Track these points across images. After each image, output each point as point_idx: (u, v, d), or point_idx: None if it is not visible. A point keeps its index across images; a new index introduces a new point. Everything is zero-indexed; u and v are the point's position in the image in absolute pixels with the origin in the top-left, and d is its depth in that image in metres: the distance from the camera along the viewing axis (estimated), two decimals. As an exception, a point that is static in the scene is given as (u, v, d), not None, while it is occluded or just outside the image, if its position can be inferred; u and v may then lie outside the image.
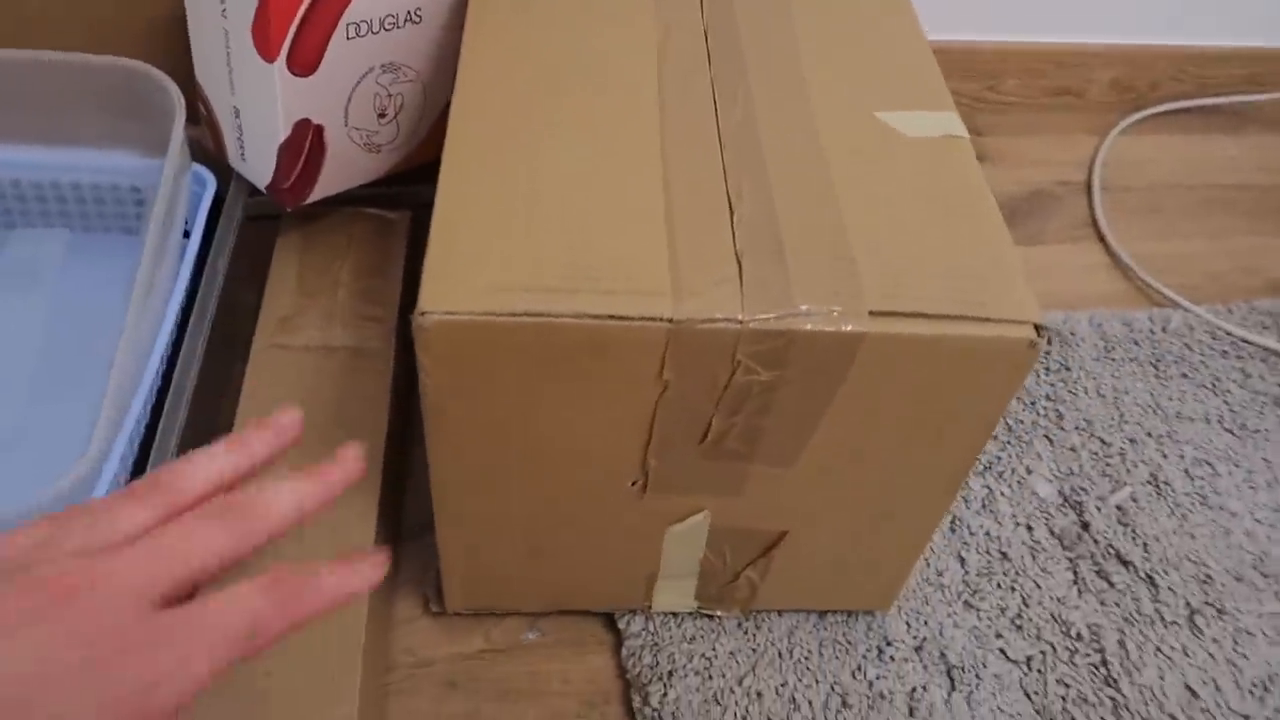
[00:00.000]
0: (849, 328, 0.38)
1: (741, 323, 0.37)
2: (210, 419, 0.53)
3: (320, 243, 0.61)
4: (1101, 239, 0.83)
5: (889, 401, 0.41)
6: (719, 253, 0.39)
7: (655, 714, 0.50)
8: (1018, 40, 0.90)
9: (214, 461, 0.29)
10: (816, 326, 0.38)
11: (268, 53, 0.50)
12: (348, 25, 0.52)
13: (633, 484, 0.45)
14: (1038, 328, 0.39)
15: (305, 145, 0.55)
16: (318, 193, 0.58)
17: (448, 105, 0.44)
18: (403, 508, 0.57)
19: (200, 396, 0.51)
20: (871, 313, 0.38)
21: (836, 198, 0.42)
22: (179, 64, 0.58)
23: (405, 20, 0.55)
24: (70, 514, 0.28)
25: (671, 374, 0.39)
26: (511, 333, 0.38)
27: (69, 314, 0.56)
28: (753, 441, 0.43)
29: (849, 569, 0.51)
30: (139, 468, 0.47)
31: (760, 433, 0.42)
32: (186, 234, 0.57)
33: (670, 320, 0.37)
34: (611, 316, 0.38)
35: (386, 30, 0.54)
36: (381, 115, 0.58)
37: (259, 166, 0.56)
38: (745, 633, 0.54)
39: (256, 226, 0.63)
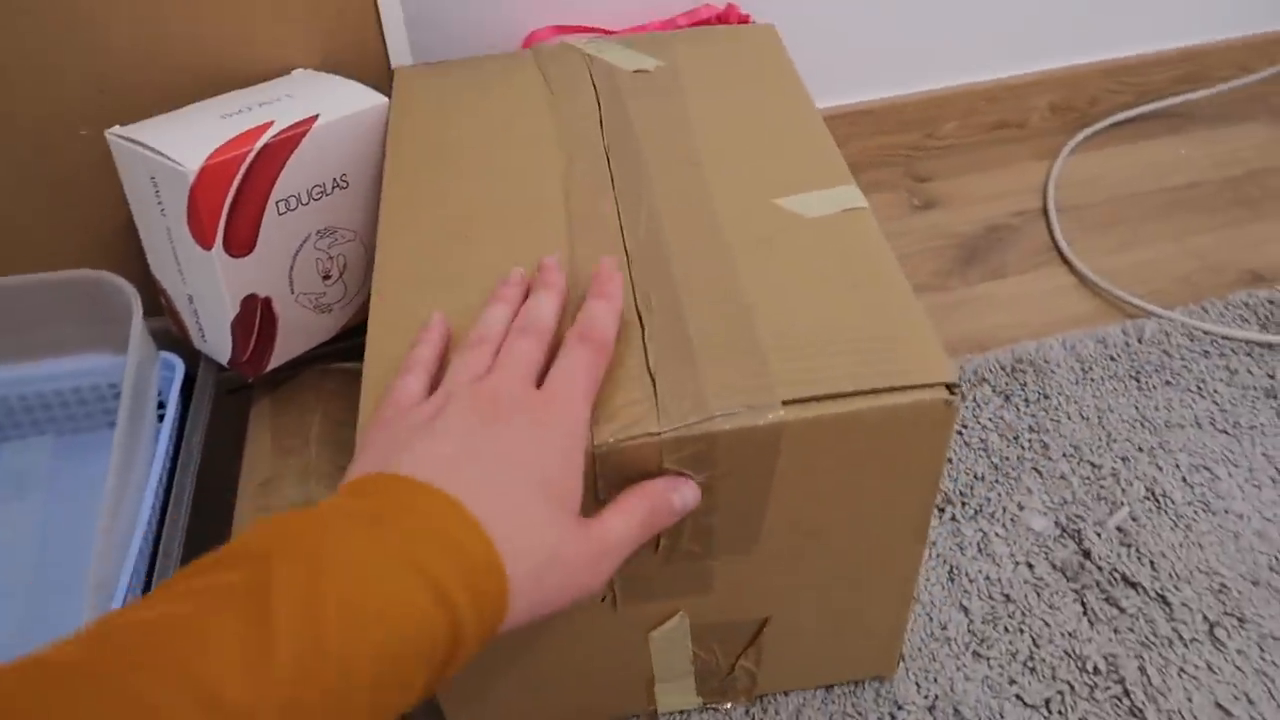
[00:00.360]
0: (764, 421, 0.38)
1: (659, 435, 0.38)
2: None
3: (291, 403, 0.64)
4: (1065, 261, 0.83)
5: (827, 476, 0.42)
6: (632, 373, 0.40)
7: (671, 821, 0.50)
8: (947, 85, 0.92)
9: (500, 314, 0.42)
10: (732, 425, 0.38)
11: (204, 241, 0.54)
12: (277, 203, 0.56)
13: (603, 599, 0.46)
14: (949, 387, 0.39)
15: (256, 318, 0.58)
16: (276, 359, 0.60)
17: None
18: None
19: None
20: (785, 402, 0.39)
21: (743, 293, 0.43)
22: (139, 262, 0.62)
23: (333, 187, 0.58)
24: (418, 369, 0.40)
25: (607, 494, 0.40)
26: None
27: (60, 517, 0.59)
28: (706, 540, 0.43)
29: (842, 639, 0.51)
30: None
31: (711, 531, 0.43)
32: (163, 417, 0.60)
33: (590, 448, 0.38)
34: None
35: (316, 200, 0.57)
36: (326, 277, 0.61)
37: (218, 344, 0.59)
38: (752, 721, 0.53)
39: (235, 398, 0.66)
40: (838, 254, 0.45)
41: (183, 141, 0.53)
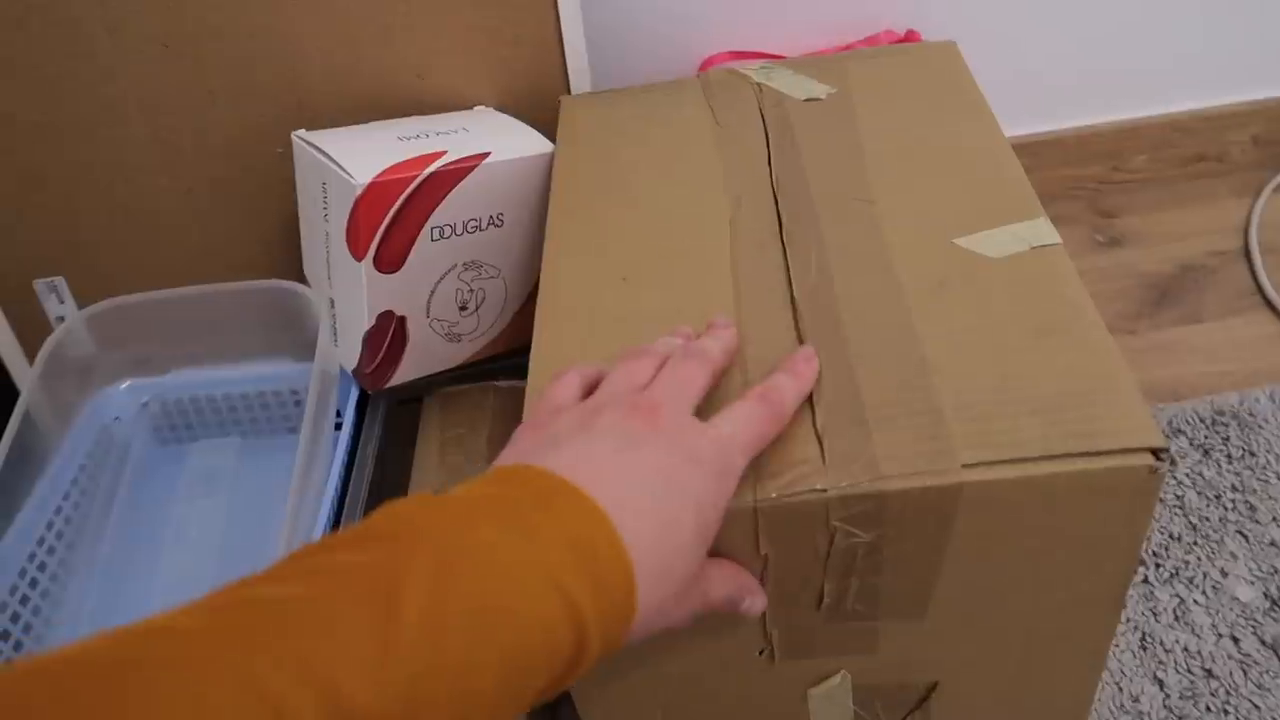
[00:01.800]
0: (940, 482, 0.36)
1: (826, 491, 0.36)
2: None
3: (458, 419, 0.65)
4: (1271, 306, 0.77)
5: (1011, 544, 0.38)
6: (799, 435, 0.38)
7: None
8: (1137, 115, 0.87)
9: (667, 341, 0.40)
10: (906, 485, 0.36)
11: (357, 252, 0.55)
12: (432, 229, 0.57)
13: (760, 653, 0.44)
14: (1156, 452, 0.35)
15: (388, 334, 0.59)
16: (398, 377, 0.61)
17: (528, 298, 0.47)
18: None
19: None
20: (965, 465, 0.36)
21: (920, 345, 0.41)
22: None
23: (488, 224, 0.59)
24: (573, 376, 0.38)
25: (769, 548, 0.38)
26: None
27: (243, 515, 0.61)
28: (873, 600, 0.41)
29: (1020, 708, 0.47)
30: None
31: (878, 590, 0.40)
32: (339, 426, 0.62)
33: (754, 502, 0.36)
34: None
35: (470, 233, 0.58)
36: (463, 308, 0.62)
37: (348, 351, 0.60)
38: (921, 783, 0.50)
39: (406, 409, 0.68)
40: (1026, 298, 0.42)
41: (358, 155, 0.55)
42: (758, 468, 0.37)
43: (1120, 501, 0.36)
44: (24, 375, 0.70)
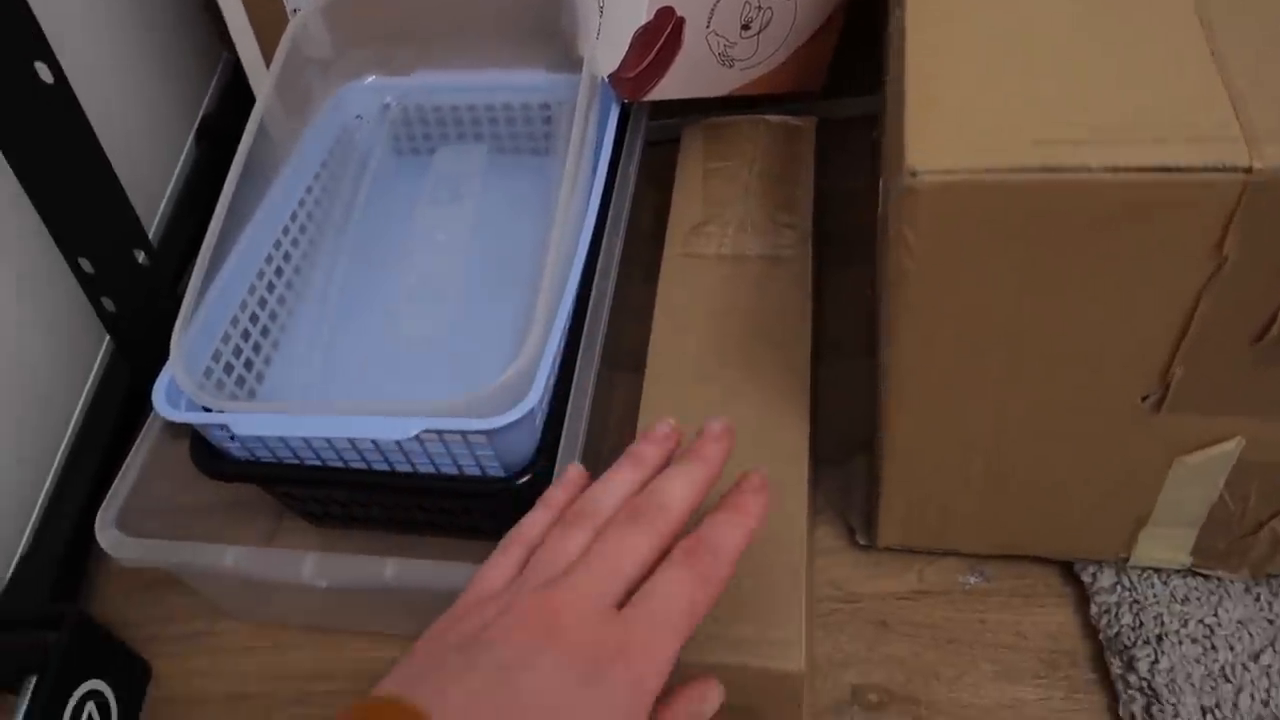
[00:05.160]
0: None
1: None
2: (615, 339, 0.51)
3: (725, 152, 0.58)
4: None
5: None
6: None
7: (1144, 683, 0.41)
8: None
9: (622, 483, 0.34)
10: None
11: None
12: None
13: (1144, 399, 0.36)
14: None
15: (662, 35, 0.51)
16: (659, 91, 0.54)
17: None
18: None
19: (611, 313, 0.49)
20: None
21: None
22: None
23: None
24: (515, 548, 0.33)
25: (1234, 247, 0.31)
26: (1023, 196, 0.31)
27: (487, 227, 0.57)
28: None
29: None
30: (565, 369, 0.46)
31: None
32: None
33: (1247, 170, 0.29)
34: (1161, 169, 0.30)
35: None
36: (745, 27, 0.53)
37: (609, 51, 0.52)
38: (1258, 600, 0.43)
39: (653, 150, 0.61)
40: None
41: None
42: (1248, 125, 0.29)
43: None
44: (260, 76, 0.67)
